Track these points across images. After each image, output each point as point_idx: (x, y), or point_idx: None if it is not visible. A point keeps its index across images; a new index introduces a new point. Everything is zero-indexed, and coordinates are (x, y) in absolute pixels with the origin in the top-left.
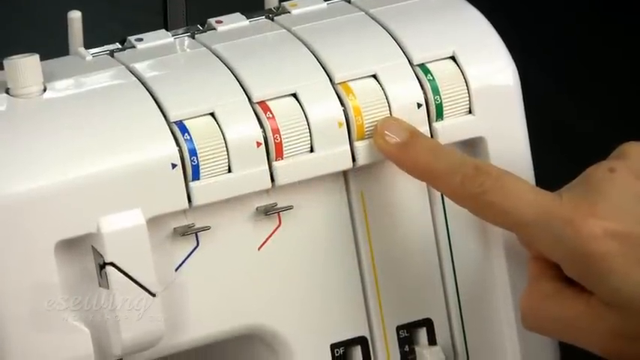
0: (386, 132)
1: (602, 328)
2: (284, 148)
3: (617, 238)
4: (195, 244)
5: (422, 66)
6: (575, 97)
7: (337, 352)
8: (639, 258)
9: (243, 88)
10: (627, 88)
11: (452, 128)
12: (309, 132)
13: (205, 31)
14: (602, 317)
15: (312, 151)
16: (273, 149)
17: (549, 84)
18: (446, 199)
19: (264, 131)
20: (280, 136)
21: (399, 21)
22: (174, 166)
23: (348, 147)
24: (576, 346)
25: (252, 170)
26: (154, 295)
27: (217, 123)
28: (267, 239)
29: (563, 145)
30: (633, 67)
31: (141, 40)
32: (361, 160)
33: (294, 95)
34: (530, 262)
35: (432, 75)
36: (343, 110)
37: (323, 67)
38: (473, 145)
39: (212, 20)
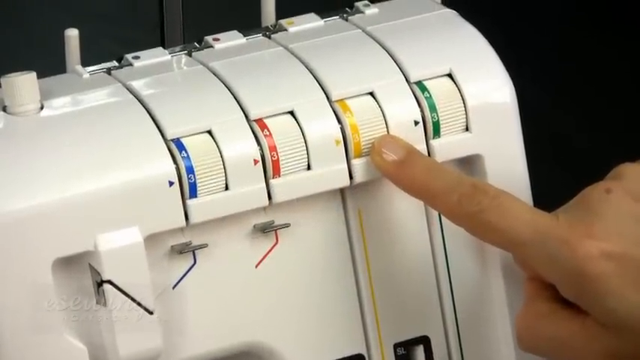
0: (383, 150)
1: (598, 349)
2: (281, 166)
3: (613, 259)
4: (192, 262)
5: (419, 83)
6: (571, 110)
7: None
8: (635, 279)
9: (240, 105)
10: (624, 101)
11: (449, 146)
12: (307, 150)
13: (202, 49)
14: (598, 338)
15: (309, 168)
16: (270, 167)
17: (545, 97)
18: (443, 217)
19: (261, 149)
20: (277, 154)
21: (395, 38)
22: (171, 183)
23: (345, 165)
24: None
25: (250, 188)
26: (151, 312)
27: (214, 141)
28: (264, 257)
29: (560, 159)
30: (630, 80)
31: (138, 57)
32: (358, 177)
33: (292, 113)
34: (526, 282)
35: (429, 92)
36: (340, 128)
37: (320, 85)
38: (470, 163)
39: (209, 38)
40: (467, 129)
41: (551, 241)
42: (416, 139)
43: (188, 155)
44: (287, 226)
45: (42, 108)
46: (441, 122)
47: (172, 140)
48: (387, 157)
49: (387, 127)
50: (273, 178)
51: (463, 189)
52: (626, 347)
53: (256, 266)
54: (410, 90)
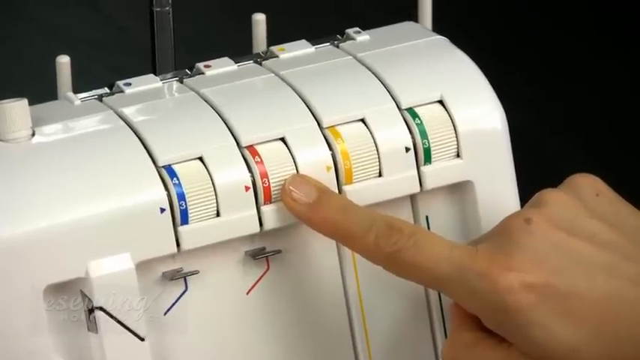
0: (294, 191)
1: None
2: (272, 193)
3: (534, 290)
4: (183, 289)
5: (410, 110)
6: (562, 134)
7: None
8: (558, 309)
9: (231, 132)
10: (618, 125)
11: (440, 172)
12: None
13: (194, 76)
14: None
15: None
16: (261, 193)
17: (536, 122)
18: None
19: (252, 175)
20: (269, 180)
21: (386, 65)
22: (162, 210)
23: (336, 191)
24: None
25: (241, 214)
26: (142, 339)
27: (206, 167)
28: (255, 283)
29: (551, 184)
30: (624, 104)
31: (129, 84)
32: None
33: (283, 139)
34: (451, 311)
35: (420, 119)
36: (331, 154)
37: (311, 112)
38: (461, 189)
39: (200, 65)
40: (458, 155)
41: (471, 275)
42: (407, 165)
43: (179, 182)
44: (278, 252)
45: (33, 135)
46: (432, 149)
47: (164, 167)
48: (298, 199)
49: (378, 154)
50: (264, 204)
51: (379, 229)
52: None
53: (247, 293)
54: (401, 116)
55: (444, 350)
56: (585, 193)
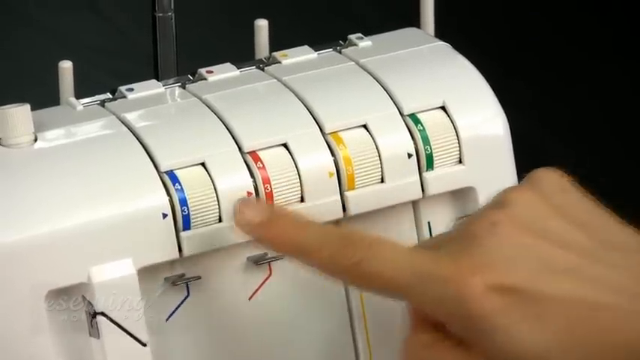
0: (246, 211)
1: None
2: (274, 198)
3: (500, 294)
4: (185, 294)
5: (412, 116)
6: (564, 140)
7: None
8: (524, 312)
9: (233, 138)
10: (620, 132)
11: (442, 178)
12: (300, 182)
13: (196, 81)
14: None
15: (302, 200)
16: (263, 199)
17: (539, 128)
18: None
19: (254, 181)
20: (271, 186)
21: (389, 71)
22: (165, 215)
23: (338, 197)
24: None
25: None
26: (144, 344)
27: (208, 173)
28: (257, 289)
29: None
30: (626, 110)
31: (132, 90)
32: (352, 209)
33: (285, 145)
34: (410, 311)
35: (422, 125)
36: (334, 160)
37: (313, 117)
38: (463, 195)
39: (203, 70)
40: (460, 161)
41: (434, 281)
42: (409, 171)
43: (182, 187)
44: (281, 258)
45: (35, 140)
46: (434, 155)
47: (166, 172)
48: (251, 219)
49: (380, 160)
50: None
51: (334, 243)
52: None
53: (249, 299)
54: (403, 122)
55: (401, 351)
56: (550, 191)
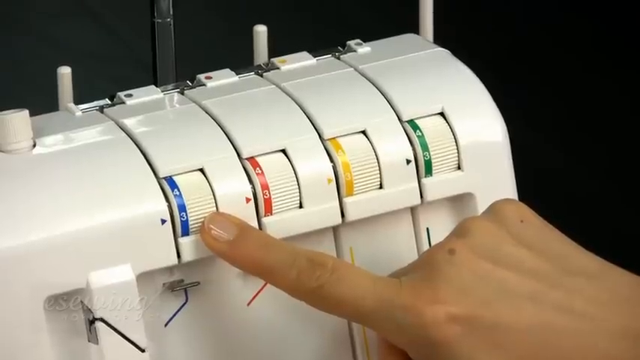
0: (213, 229)
1: None
2: (273, 204)
3: (460, 322)
4: (184, 300)
5: (411, 122)
6: (561, 147)
7: None
8: (484, 339)
9: (232, 144)
10: (615, 138)
11: (441, 184)
12: (299, 188)
13: (195, 87)
14: None
15: (301, 207)
16: (262, 205)
17: (537, 135)
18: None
19: (253, 187)
20: (269, 192)
21: (388, 77)
22: (163, 221)
23: (337, 203)
24: None
25: None
26: (143, 350)
27: (207, 179)
28: (256, 295)
29: (549, 197)
30: (619, 117)
31: (130, 95)
32: (350, 216)
33: (284, 151)
34: (378, 339)
35: (420, 131)
36: (332, 166)
37: (312, 123)
38: (461, 201)
39: (201, 76)
40: (459, 167)
41: (395, 309)
42: (408, 177)
43: (180, 193)
44: None
45: (34, 146)
46: (433, 161)
47: (165, 178)
48: (218, 237)
49: (378, 166)
50: (265, 216)
51: (300, 264)
52: None
53: (248, 304)
54: (402, 128)
55: None
56: (509, 220)
